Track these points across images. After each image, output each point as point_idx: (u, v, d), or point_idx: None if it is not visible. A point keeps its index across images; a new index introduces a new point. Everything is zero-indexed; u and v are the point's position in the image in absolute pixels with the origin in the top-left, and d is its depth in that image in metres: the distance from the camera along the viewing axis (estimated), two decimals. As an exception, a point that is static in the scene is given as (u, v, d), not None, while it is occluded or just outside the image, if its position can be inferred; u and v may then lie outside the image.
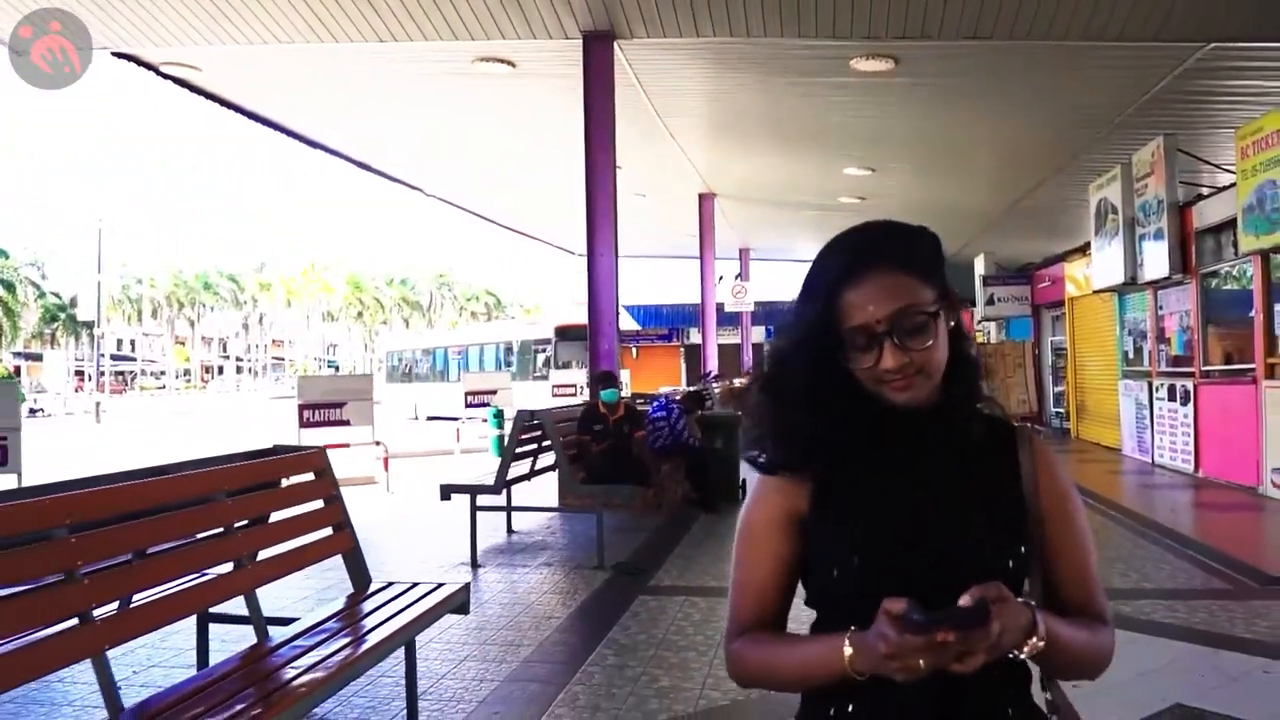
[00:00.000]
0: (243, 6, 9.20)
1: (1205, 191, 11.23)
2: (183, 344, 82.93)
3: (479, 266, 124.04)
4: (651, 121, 12.63)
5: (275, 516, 3.57)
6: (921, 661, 1.02)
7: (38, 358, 65.66)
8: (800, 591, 1.29)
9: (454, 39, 9.70)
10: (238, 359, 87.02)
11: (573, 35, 9.54)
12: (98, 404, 32.66)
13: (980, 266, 20.70)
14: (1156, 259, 10.90)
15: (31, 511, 2.52)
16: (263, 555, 3.39)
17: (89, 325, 52.45)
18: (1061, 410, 17.45)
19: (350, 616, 3.43)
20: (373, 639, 3.14)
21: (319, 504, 3.58)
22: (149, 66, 11.17)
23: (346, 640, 3.14)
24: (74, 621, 2.40)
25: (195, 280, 77.23)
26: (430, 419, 26.51)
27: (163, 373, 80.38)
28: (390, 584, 3.59)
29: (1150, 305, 11.93)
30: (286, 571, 3.37)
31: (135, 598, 2.85)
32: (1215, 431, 10.06)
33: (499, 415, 14.53)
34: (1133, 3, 8.30)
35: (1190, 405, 10.50)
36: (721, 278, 20.05)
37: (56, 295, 54.44)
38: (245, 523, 3.24)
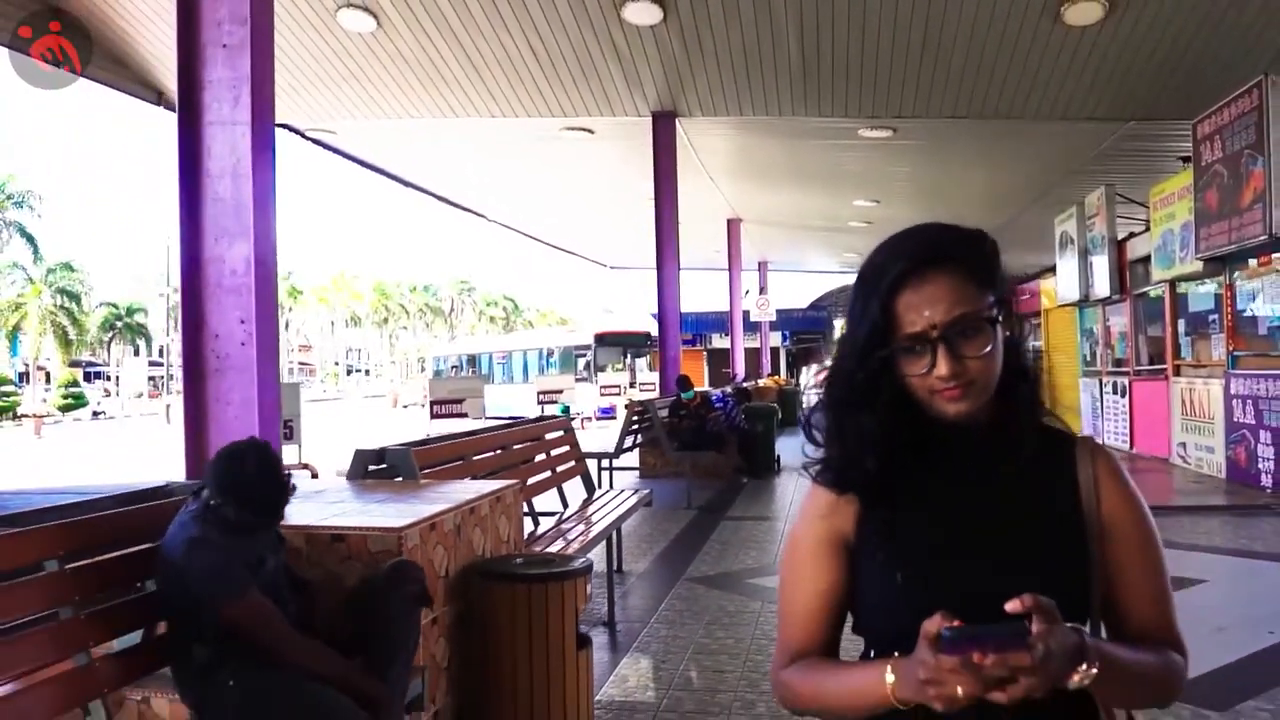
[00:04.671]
0: (386, 91, 11.97)
1: (1149, 224, 14.07)
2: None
3: (497, 273, 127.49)
4: (693, 164, 15.48)
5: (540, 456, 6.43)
6: (959, 688, 0.93)
7: (75, 365, 68.84)
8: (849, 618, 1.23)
9: (550, 115, 12.53)
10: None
11: (644, 114, 12.39)
12: (168, 406, 35.77)
13: (973, 279, 23.48)
14: (1102, 282, 13.78)
15: (456, 448, 5.09)
16: (537, 478, 6.24)
17: (144, 331, 55.60)
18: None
19: (583, 514, 6.28)
20: (607, 519, 5.96)
21: (566, 448, 6.44)
22: (297, 131, 14.04)
23: (584, 527, 5.97)
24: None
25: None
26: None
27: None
28: (608, 490, 6.46)
29: (1099, 318, 14.81)
30: (557, 483, 6.23)
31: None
32: (1143, 417, 12.90)
33: (566, 410, 17.39)
34: (1069, 95, 11.10)
35: (1126, 397, 13.37)
36: (748, 291, 22.94)
37: (114, 305, 57.73)
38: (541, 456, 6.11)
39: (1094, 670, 0.98)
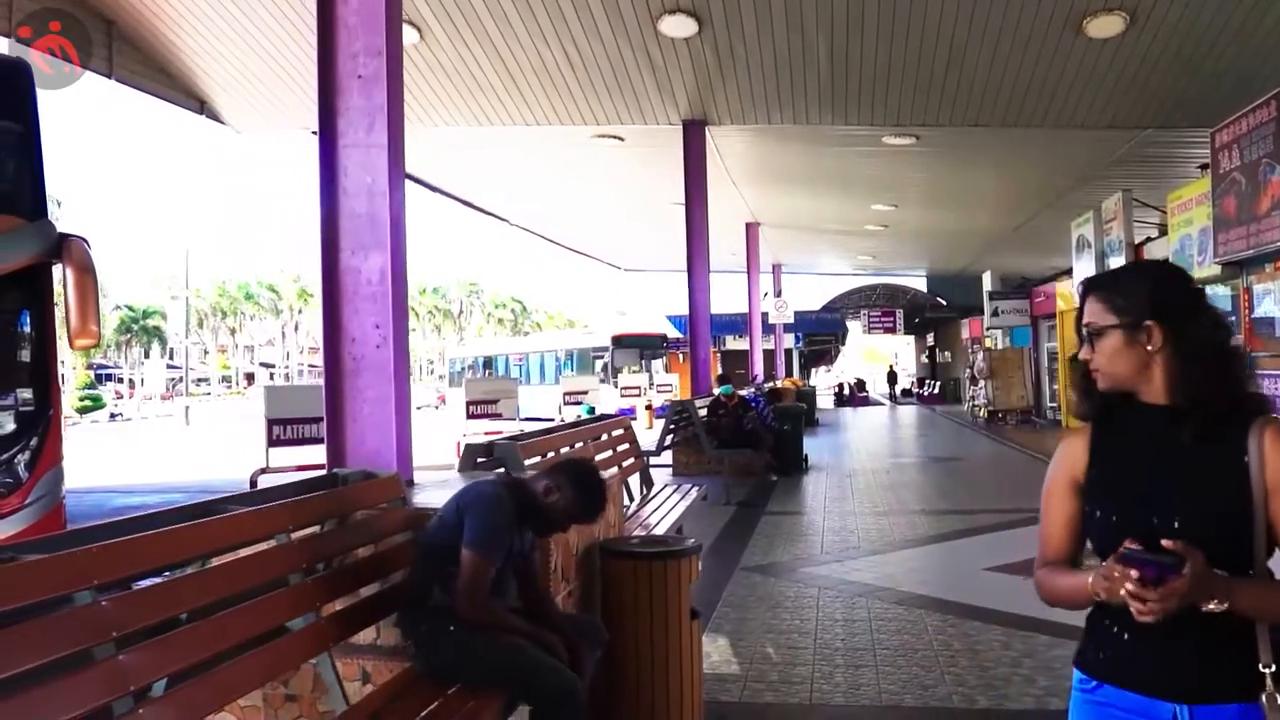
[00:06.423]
0: (426, 101, 12.29)
1: (1165, 228, 14.39)
2: (224, 352, 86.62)
3: (505, 275, 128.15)
4: (717, 170, 15.80)
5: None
6: (1121, 589, 1.40)
7: (88, 367, 69.54)
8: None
9: (583, 123, 12.86)
10: (279, 366, 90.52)
11: (675, 122, 12.73)
12: (187, 408, 36.19)
13: (987, 283, 23.85)
14: (1119, 284, 14.09)
15: (542, 444, 5.63)
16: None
17: (159, 334, 56.06)
18: (1056, 405, 20.65)
19: (640, 514, 6.63)
20: (675, 513, 6.29)
21: (626, 445, 6.80)
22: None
23: (647, 524, 6.31)
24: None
25: (238, 290, 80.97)
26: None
27: (205, 379, 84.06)
28: (666, 485, 6.82)
29: (1117, 320, 15.13)
30: (622, 478, 6.57)
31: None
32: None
33: (591, 411, 17.70)
34: (1089, 104, 11.43)
35: (1144, 397, 13.68)
36: (766, 294, 23.30)
37: (130, 308, 58.30)
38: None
39: (1224, 604, 1.40)
